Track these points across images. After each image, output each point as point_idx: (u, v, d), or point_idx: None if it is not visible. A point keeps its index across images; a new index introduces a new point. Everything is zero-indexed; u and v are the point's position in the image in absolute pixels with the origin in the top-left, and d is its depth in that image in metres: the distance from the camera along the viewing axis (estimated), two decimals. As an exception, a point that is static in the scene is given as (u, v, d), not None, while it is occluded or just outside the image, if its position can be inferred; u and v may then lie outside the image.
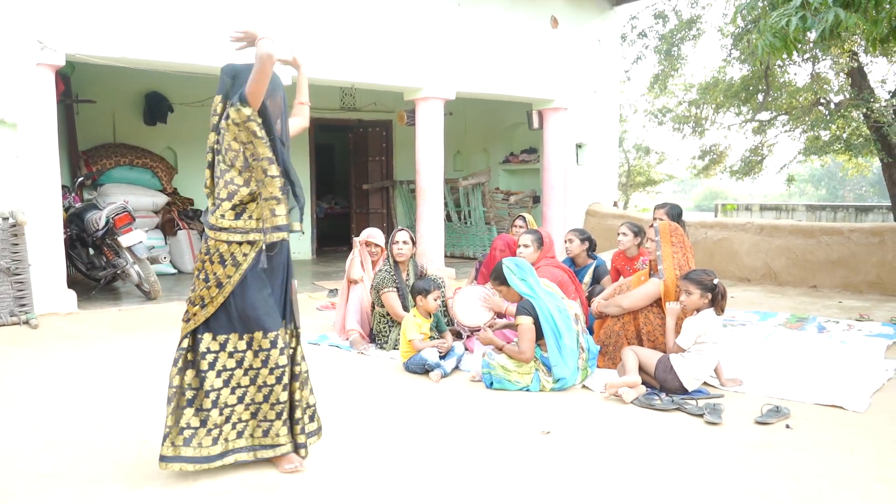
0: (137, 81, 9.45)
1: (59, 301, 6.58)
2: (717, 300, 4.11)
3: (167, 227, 9.63)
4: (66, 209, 7.67)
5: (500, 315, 5.21)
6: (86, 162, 9.11)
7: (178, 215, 9.73)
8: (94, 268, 7.66)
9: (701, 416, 3.65)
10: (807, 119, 12.36)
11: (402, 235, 5.41)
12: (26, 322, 6.07)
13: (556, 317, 4.21)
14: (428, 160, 8.94)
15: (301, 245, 11.55)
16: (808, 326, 6.02)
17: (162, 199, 9.51)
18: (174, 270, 9.59)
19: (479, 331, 5.02)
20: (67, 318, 6.36)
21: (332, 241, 13.01)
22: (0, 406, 3.90)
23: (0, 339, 5.57)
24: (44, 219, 6.48)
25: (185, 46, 7.07)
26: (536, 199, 11.16)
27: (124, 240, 6.94)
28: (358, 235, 5.95)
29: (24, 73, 6.36)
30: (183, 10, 7.05)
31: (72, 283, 6.97)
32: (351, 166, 12.74)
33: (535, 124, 10.25)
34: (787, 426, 3.51)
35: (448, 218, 11.30)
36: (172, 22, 6.99)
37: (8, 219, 6.15)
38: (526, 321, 4.18)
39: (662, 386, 4.07)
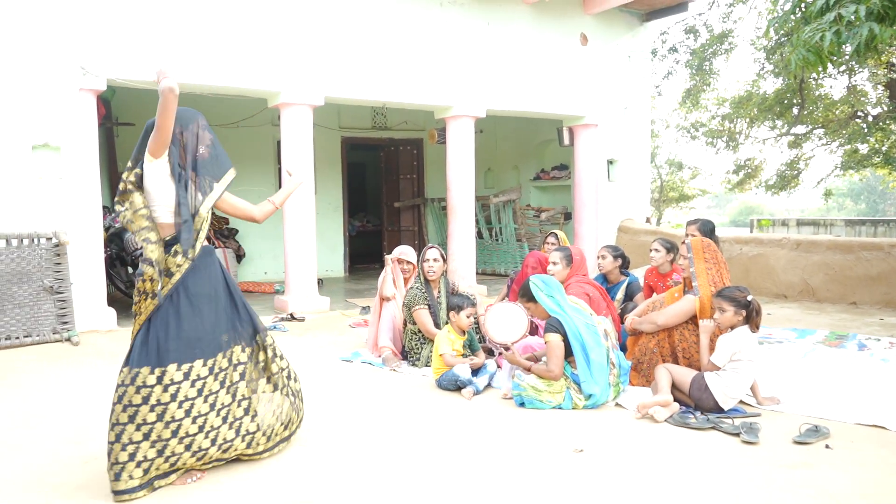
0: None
1: (99, 319, 6.73)
2: (751, 317, 4.04)
3: (203, 246, 9.79)
4: (106, 229, 7.85)
5: (533, 332, 5.20)
6: (125, 183, 9.32)
7: (213, 234, 9.91)
8: (134, 286, 7.80)
9: (737, 435, 3.58)
10: (844, 132, 12.18)
11: (432, 253, 5.43)
12: (68, 339, 6.21)
13: (583, 333, 4.19)
14: (459, 177, 8.98)
15: (333, 263, 11.68)
16: (849, 344, 5.89)
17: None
18: (210, 288, 9.72)
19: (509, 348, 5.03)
20: (108, 336, 6.49)
21: (364, 258, 13.11)
22: (41, 421, 3.99)
23: (42, 355, 5.71)
24: (85, 239, 6.66)
25: (220, 69, 7.25)
26: (568, 216, 11.12)
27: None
28: (390, 253, 5.99)
29: (67, 98, 6.56)
30: (217, 34, 7.24)
31: (112, 302, 7.12)
32: (382, 184, 12.86)
33: (566, 141, 10.23)
34: (827, 446, 3.43)
35: (479, 235, 11.32)
36: (207, 46, 7.17)
37: (51, 239, 6.30)
38: (555, 338, 4.16)
39: (697, 405, 4.01)
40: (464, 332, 4.84)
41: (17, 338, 6.03)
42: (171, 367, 2.92)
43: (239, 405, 3.12)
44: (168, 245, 3.02)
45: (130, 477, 2.87)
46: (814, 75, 11.28)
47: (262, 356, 3.26)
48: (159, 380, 2.91)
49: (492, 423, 3.91)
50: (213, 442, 3.03)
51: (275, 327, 6.92)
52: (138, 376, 2.90)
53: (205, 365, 3.01)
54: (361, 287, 10.05)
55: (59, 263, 6.33)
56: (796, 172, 13.60)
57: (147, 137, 3.01)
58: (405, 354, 5.48)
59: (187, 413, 2.95)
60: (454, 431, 3.76)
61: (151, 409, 2.89)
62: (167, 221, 3.02)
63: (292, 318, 7.35)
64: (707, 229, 5.78)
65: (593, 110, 10.02)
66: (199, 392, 2.97)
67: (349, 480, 3.08)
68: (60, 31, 6.51)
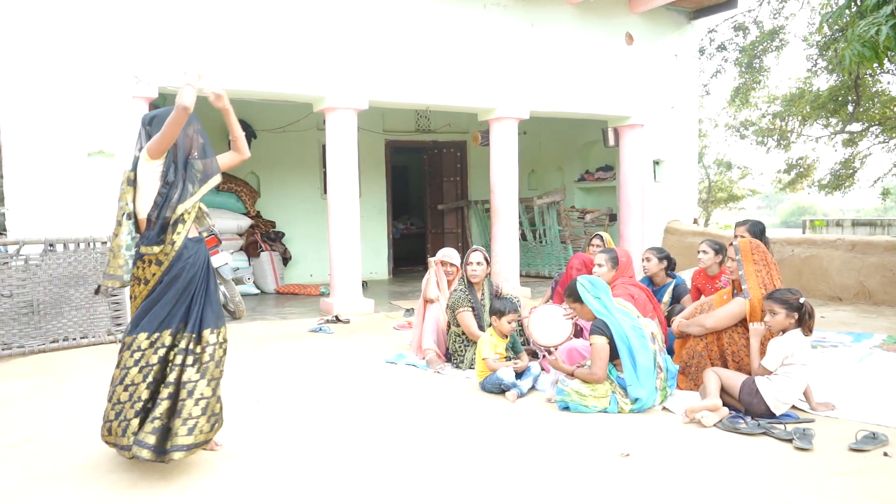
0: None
1: (151, 320, 6.88)
2: (804, 320, 3.94)
3: (251, 249, 10.00)
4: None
5: (578, 334, 5.15)
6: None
7: (260, 237, 10.10)
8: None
9: (790, 441, 3.49)
10: (902, 129, 11.76)
11: (475, 256, 5.42)
12: (122, 341, 6.38)
13: (630, 336, 4.13)
14: (502, 179, 8.97)
15: (377, 265, 11.77)
16: (908, 348, 5.69)
17: (246, 222, 9.89)
18: (257, 291, 9.92)
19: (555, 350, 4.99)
20: (159, 337, 6.64)
21: (408, 261, 13.17)
22: (95, 420, 4.08)
23: (97, 356, 5.87)
24: (138, 242, 6.82)
25: (267, 75, 7.39)
26: (613, 217, 10.99)
27: (212, 261, 7.23)
28: (433, 255, 6.00)
29: (120, 106, 6.77)
30: (264, 41, 7.38)
31: (163, 304, 7.28)
32: (426, 187, 12.92)
33: (611, 142, 10.12)
34: (885, 454, 3.31)
35: (523, 237, 11.25)
36: (254, 53, 7.32)
37: (106, 243, 6.48)
38: (600, 341, 4.11)
39: (747, 409, 3.91)
40: (506, 336, 4.82)
41: (74, 339, 6.23)
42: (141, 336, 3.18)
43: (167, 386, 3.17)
44: (157, 236, 3.22)
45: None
46: (869, 71, 10.91)
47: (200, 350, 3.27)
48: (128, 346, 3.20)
49: (536, 426, 3.89)
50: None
51: (320, 329, 6.99)
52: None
53: (148, 338, 3.18)
54: (405, 289, 10.10)
55: (113, 266, 6.51)
56: (851, 171, 13.19)
57: (143, 134, 3.29)
58: (449, 356, 5.48)
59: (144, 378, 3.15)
60: (499, 434, 3.75)
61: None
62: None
63: (337, 320, 7.42)
64: (757, 230, 5.64)
65: (639, 110, 9.89)
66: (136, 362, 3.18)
67: (392, 481, 3.09)
68: (114, 41, 6.73)
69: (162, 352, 3.17)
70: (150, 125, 3.31)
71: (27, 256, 6.06)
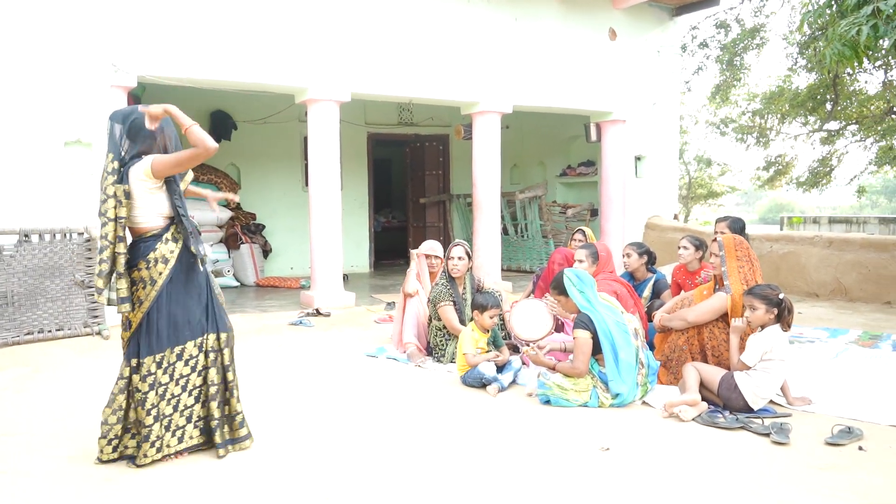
0: (203, 100, 9.79)
1: (128, 313, 6.79)
2: (783, 316, 3.98)
3: (230, 241, 9.90)
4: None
5: (558, 328, 5.16)
6: (154, 178, 9.44)
7: (241, 230, 10.00)
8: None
9: (767, 435, 3.52)
10: (879, 128, 11.92)
11: (457, 251, 5.40)
12: (98, 333, 6.28)
13: (613, 331, 4.15)
14: (484, 174, 8.96)
15: (358, 258, 11.72)
16: (883, 344, 5.76)
17: (226, 214, 9.79)
18: (237, 283, 9.83)
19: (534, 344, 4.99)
20: (136, 329, 6.56)
21: (390, 254, 13.14)
22: (71, 413, 4.04)
23: (73, 349, 5.78)
24: (116, 233, 6.71)
25: (248, 66, 7.30)
26: (594, 212, 11.03)
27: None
28: (415, 248, 5.98)
29: (98, 94, 6.65)
30: (245, 31, 7.28)
31: (141, 296, 7.17)
32: (408, 180, 12.87)
33: (593, 137, 10.15)
34: (860, 448, 3.37)
35: (505, 231, 11.27)
36: (236, 43, 7.22)
37: (83, 234, 6.38)
38: (583, 335, 4.12)
39: (726, 404, 3.95)
40: (487, 331, 4.82)
41: (50, 331, 6.12)
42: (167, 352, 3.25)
43: (190, 394, 3.32)
44: (152, 239, 3.22)
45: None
46: (849, 70, 11.04)
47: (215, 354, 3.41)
48: (159, 365, 3.23)
49: (517, 420, 3.89)
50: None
51: (300, 322, 6.94)
52: (142, 366, 3.21)
53: (184, 350, 3.30)
54: (386, 283, 10.07)
55: (90, 258, 6.40)
56: (829, 169, 13.35)
57: (120, 134, 3.23)
58: (430, 350, 5.47)
59: (161, 396, 3.24)
60: (479, 429, 3.74)
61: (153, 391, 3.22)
62: (151, 224, 3.23)
63: (318, 313, 7.37)
64: (737, 227, 5.70)
65: (621, 106, 9.92)
66: (171, 376, 3.27)
67: (374, 476, 3.07)
68: (91, 29, 6.60)
69: (192, 362, 3.30)
70: (129, 127, 3.24)
71: (1, 247, 5.94)
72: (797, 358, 5.12)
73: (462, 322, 5.20)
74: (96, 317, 6.40)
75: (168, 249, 3.23)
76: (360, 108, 11.25)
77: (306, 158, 8.65)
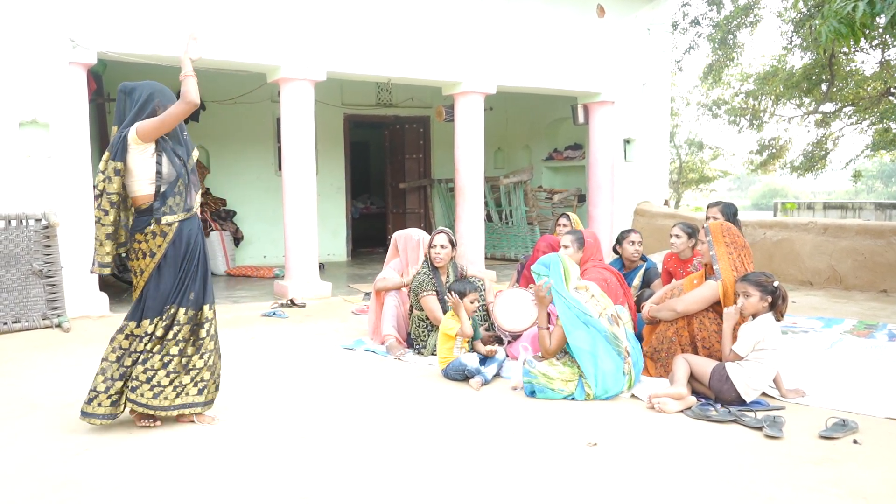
0: (169, 80, 9.26)
1: (91, 304, 6.55)
2: (776, 304, 3.90)
3: (201, 228, 9.62)
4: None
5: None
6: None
7: (210, 216, 9.71)
8: (126, 270, 7.62)
9: (760, 428, 3.47)
10: (875, 110, 11.71)
11: (440, 239, 5.17)
12: (58, 325, 6.05)
13: (575, 324, 4.05)
14: (467, 157, 8.74)
15: (335, 246, 11.50)
16: (878, 334, 5.66)
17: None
18: (209, 271, 9.56)
19: (520, 336, 4.84)
20: (100, 322, 6.34)
21: (368, 242, 12.95)
22: (30, 411, 3.85)
23: (32, 342, 5.58)
24: (76, 221, 6.45)
25: (216, 42, 6.99)
26: (582, 198, 10.81)
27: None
28: (393, 234, 5.77)
29: (55, 72, 6.36)
30: (214, 4, 6.99)
31: (104, 286, 6.93)
32: (387, 164, 12.61)
33: (581, 119, 9.92)
34: (855, 441, 3.31)
35: (489, 218, 11.06)
36: (204, 18, 6.92)
37: (41, 220, 6.14)
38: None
39: (718, 396, 3.87)
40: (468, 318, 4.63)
41: (6, 324, 5.89)
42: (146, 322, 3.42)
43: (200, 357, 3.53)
44: (150, 210, 3.37)
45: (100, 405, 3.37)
46: (845, 49, 10.77)
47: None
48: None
49: (502, 414, 3.79)
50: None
51: (274, 313, 6.72)
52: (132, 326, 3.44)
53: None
54: (364, 272, 9.85)
55: (48, 246, 6.19)
56: (824, 153, 13.14)
57: (130, 107, 3.41)
58: (410, 342, 5.29)
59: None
60: (462, 423, 3.63)
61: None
62: (146, 193, 3.37)
63: (292, 304, 7.20)
64: (730, 212, 5.62)
65: (610, 87, 9.65)
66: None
67: (352, 474, 2.93)
68: (48, 2, 6.28)
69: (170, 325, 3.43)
70: (136, 99, 3.42)
71: (-50, 234, 5.66)
72: (790, 349, 5.04)
73: (445, 312, 4.98)
74: (56, 308, 6.14)
75: (166, 222, 3.37)
76: (337, 88, 10.94)
77: (279, 141, 8.42)
